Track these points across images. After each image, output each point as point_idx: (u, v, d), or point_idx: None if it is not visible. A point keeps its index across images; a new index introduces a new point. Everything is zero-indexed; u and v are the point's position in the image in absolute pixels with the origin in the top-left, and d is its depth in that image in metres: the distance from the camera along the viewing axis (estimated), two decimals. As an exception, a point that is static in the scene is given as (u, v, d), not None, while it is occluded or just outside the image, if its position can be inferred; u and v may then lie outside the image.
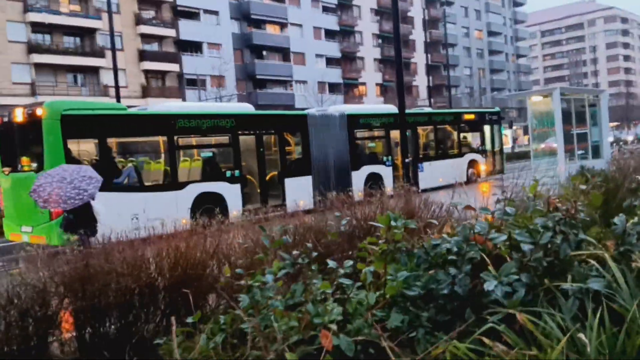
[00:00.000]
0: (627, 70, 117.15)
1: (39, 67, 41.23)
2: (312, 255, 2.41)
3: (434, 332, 2.19)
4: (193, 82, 47.16)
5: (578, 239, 2.27)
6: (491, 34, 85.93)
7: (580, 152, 21.17)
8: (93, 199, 9.74)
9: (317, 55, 60.15)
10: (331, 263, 2.50)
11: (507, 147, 43.85)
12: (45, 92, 39.36)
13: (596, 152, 20.92)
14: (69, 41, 44.15)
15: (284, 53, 56.91)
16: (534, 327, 1.87)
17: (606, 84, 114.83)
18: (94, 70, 43.87)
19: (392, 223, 2.36)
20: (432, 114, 23.66)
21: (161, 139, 14.63)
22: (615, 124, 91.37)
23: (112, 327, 4.56)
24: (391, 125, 20.29)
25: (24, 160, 12.74)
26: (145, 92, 45.23)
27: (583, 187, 2.45)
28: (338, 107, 21.31)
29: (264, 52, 55.54)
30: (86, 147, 13.55)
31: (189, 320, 2.44)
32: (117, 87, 21.67)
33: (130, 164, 14.23)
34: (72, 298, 4.53)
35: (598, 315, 1.89)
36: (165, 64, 46.97)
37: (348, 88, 63.61)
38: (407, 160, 14.00)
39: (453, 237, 2.39)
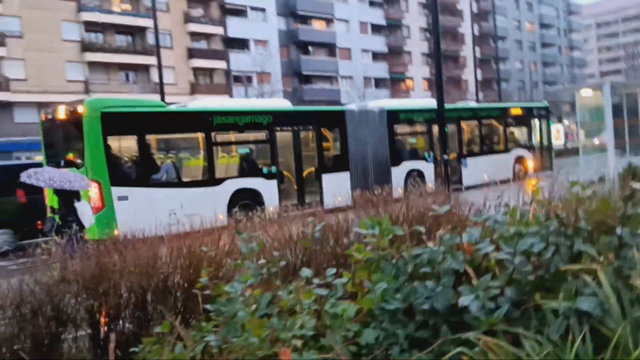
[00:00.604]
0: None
1: (92, 65, 42.44)
2: (280, 264, 2.29)
3: (412, 350, 2.04)
4: (240, 79, 47.61)
5: (574, 251, 2.07)
6: (543, 26, 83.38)
7: (633, 148, 20.27)
8: (79, 199, 9.83)
9: (363, 50, 59.75)
10: (305, 272, 2.37)
11: (559, 142, 42.48)
12: (98, 90, 40.54)
13: (651, 148, 19.97)
14: (120, 39, 45.29)
15: (329, 48, 56.78)
16: (504, 352, 1.70)
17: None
18: (145, 68, 44.84)
19: (370, 231, 2.21)
20: (476, 109, 23.11)
21: (198, 136, 14.75)
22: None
23: (126, 326, 4.56)
24: (433, 120, 19.44)
25: (69, 156, 13.04)
26: (194, 90, 45.88)
27: (586, 192, 2.22)
28: (378, 102, 20.98)
29: (310, 48, 55.56)
30: (126, 144, 13.78)
31: (157, 330, 2.36)
32: (161, 85, 22.03)
33: (168, 160, 14.45)
34: (84, 296, 4.55)
35: (579, 339, 1.70)
36: (213, 61, 47.62)
37: (395, 83, 62.95)
38: (445, 156, 13.63)
39: (439, 246, 2.22)
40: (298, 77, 54.07)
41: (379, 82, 60.85)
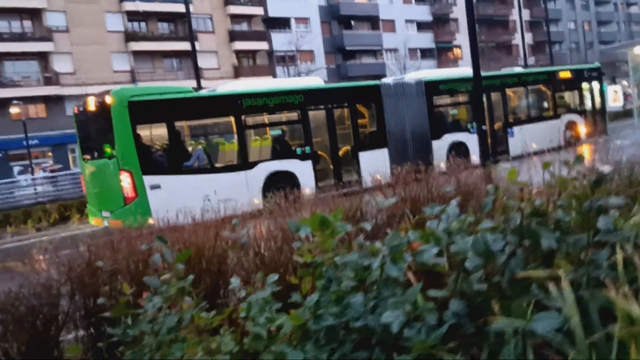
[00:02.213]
0: None
1: (136, 54, 43.09)
2: (188, 278, 1.97)
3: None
4: (283, 59, 47.36)
5: (546, 250, 1.67)
6: (598, -17, 79.24)
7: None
8: None
9: (407, 21, 58.32)
10: (233, 282, 2.04)
11: (618, 104, 40.34)
12: (143, 79, 41.20)
13: None
14: (163, 27, 45.74)
15: (372, 22, 55.66)
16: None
17: None
18: (188, 54, 45.10)
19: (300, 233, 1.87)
20: (521, 74, 21.91)
21: (228, 120, 14.54)
22: None
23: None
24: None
25: (105, 147, 13.13)
26: (237, 72, 45.94)
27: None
28: (416, 73, 20.25)
29: (352, 22, 54.59)
30: (155, 132, 13.73)
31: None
32: (196, 69, 22.05)
33: (199, 146, 14.29)
34: (79, 296, 4.40)
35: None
36: (255, 43, 47.49)
37: (442, 52, 61.26)
38: (484, 127, 12.98)
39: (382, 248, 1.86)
40: (341, 53, 53.32)
41: (425, 53, 59.34)
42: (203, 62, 44.22)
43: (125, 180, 12.26)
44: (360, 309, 1.72)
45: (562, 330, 1.46)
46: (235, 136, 14.45)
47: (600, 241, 1.64)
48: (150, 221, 10.98)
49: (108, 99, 12.42)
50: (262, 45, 47.68)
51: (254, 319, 1.94)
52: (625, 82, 50.68)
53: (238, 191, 13.19)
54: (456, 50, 62.61)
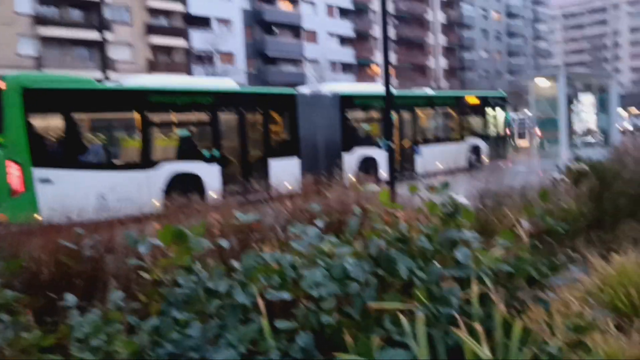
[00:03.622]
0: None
1: (45, 40, 40.74)
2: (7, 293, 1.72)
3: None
4: (201, 59, 46.38)
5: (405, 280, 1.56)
6: (510, 15, 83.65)
7: (587, 140, 20.24)
8: None
9: (330, 34, 58.97)
10: (68, 298, 1.81)
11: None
12: (51, 66, 38.92)
13: (604, 140, 19.95)
14: (75, 14, 43.60)
15: (295, 30, 55.82)
16: None
17: (628, 70, 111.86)
18: (101, 44, 43.25)
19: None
20: (431, 96, 22.67)
21: (132, 115, 13.82)
22: (637, 111, 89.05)
23: None
24: None
25: None
26: (152, 68, 44.50)
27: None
28: (332, 85, 20.44)
29: (275, 29, 54.49)
30: (52, 123, 12.83)
31: None
32: (104, 60, 21.02)
33: (98, 141, 13.59)
34: None
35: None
36: (172, 39, 46.24)
37: (361, 68, 62.39)
38: (391, 144, 13.20)
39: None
40: (262, 58, 53.01)
41: (345, 67, 60.21)
42: (116, 54, 42.58)
43: (13, 171, 11.38)
44: (197, 339, 1.54)
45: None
46: (139, 133, 13.77)
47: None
48: (37, 217, 10.30)
49: (1, 84, 11.51)
50: (180, 42, 46.51)
51: (86, 341, 1.71)
52: (527, 112, 53.77)
53: (137, 191, 12.66)
54: (375, 67, 64.00)
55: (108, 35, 42.06)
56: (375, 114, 19.90)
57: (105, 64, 20.90)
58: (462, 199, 1.57)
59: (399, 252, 1.65)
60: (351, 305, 1.53)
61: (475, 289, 1.52)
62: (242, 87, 18.21)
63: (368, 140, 19.45)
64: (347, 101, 18.41)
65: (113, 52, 41.76)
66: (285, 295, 1.50)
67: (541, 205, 1.79)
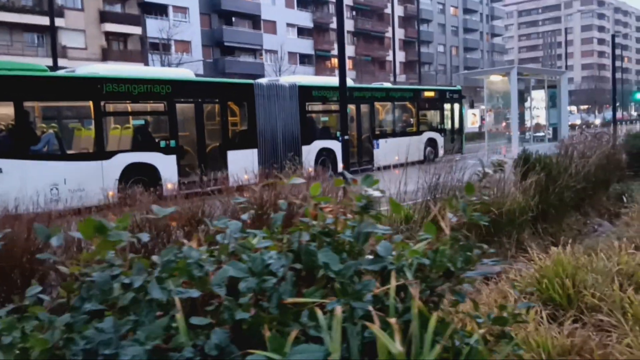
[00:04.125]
0: (601, 54, 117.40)
1: (-6, 24, 39.30)
2: None
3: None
4: (157, 47, 45.48)
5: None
6: (467, 11, 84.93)
7: (538, 135, 20.77)
8: None
9: (289, 25, 58.69)
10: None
11: (475, 126, 43.48)
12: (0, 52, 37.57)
13: (554, 135, 20.50)
14: (26, -1, 42.17)
15: (254, 20, 55.30)
16: None
17: (579, 67, 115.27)
18: (52, 30, 41.88)
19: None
20: (389, 90, 22.91)
21: (86, 104, 13.59)
22: (585, 106, 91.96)
23: None
24: (347, 99, 19.57)
25: None
26: (106, 55, 43.43)
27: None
28: (291, 77, 20.40)
29: (233, 19, 53.87)
30: (2, 111, 12.57)
31: None
32: (54, 47, 20.29)
33: (50, 130, 13.22)
34: None
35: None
36: (127, 27, 45.12)
37: (320, 60, 62.34)
38: (346, 137, 13.25)
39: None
40: (220, 48, 52.37)
41: (304, 59, 60.08)
42: (68, 40, 41.37)
43: None
44: (110, 334, 1.49)
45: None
46: (93, 122, 13.58)
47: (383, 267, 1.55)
48: None
49: None
50: (135, 30, 45.45)
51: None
52: (482, 107, 54.79)
53: (91, 182, 12.43)
54: (334, 60, 64.02)
55: (59, 21, 40.89)
56: (334, 107, 19.87)
57: (56, 51, 20.18)
58: (376, 193, 1.56)
59: (324, 246, 1.64)
60: (269, 300, 1.51)
61: (393, 282, 1.52)
62: (199, 77, 17.98)
63: (327, 133, 19.61)
64: (305, 93, 18.44)
65: (65, 39, 40.59)
66: (195, 294, 1.46)
67: (467, 198, 1.81)
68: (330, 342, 1.35)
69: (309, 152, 18.19)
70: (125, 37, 45.71)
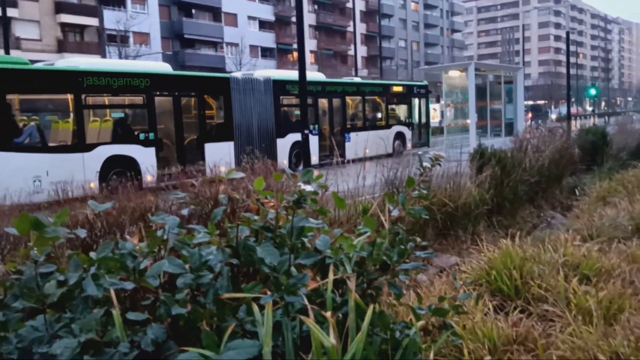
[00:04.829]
0: (557, 50, 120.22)
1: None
2: None
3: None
4: (114, 39, 44.52)
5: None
6: (427, 6, 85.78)
7: (494, 129, 21.16)
8: None
9: (250, 17, 58.20)
10: None
11: (436, 121, 44.07)
12: (-53, 42, 36.16)
13: (510, 130, 20.91)
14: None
15: (214, 13, 54.66)
16: None
17: (536, 63, 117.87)
18: (4, 21, 40.54)
19: None
20: (360, 84, 23.59)
21: (67, 97, 13.80)
22: (542, 102, 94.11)
23: None
24: (318, 93, 20.35)
25: None
26: (62, 47, 42.29)
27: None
28: (264, 71, 20.59)
29: (193, 11, 53.14)
30: None
31: None
32: (5, 38, 19.69)
33: (32, 123, 13.41)
34: None
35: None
36: (83, 18, 44.02)
37: (282, 53, 62.08)
38: (306, 131, 13.31)
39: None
40: (180, 40, 51.62)
41: (265, 52, 59.73)
42: (22, 31, 40.14)
43: None
44: (43, 332, 1.47)
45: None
46: (73, 115, 13.81)
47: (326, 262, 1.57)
48: None
49: None
50: (92, 21, 44.37)
51: None
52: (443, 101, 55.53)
53: (73, 174, 12.42)
54: (296, 53, 63.68)
55: (12, 12, 39.63)
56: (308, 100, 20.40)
57: (9, 42, 19.59)
58: (309, 187, 1.58)
59: (265, 241, 1.65)
60: (206, 296, 1.51)
61: (331, 276, 1.53)
62: (177, 71, 18.33)
63: (300, 126, 19.63)
64: (280, 87, 18.93)
65: (18, 30, 39.41)
66: (129, 286, 1.46)
67: (408, 192, 1.84)
68: (263, 337, 1.36)
69: (284, 144, 18.78)
70: (81, 28, 44.63)
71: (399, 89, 25.15)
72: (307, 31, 65.00)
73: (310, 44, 64.88)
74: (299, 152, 18.39)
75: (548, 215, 9.99)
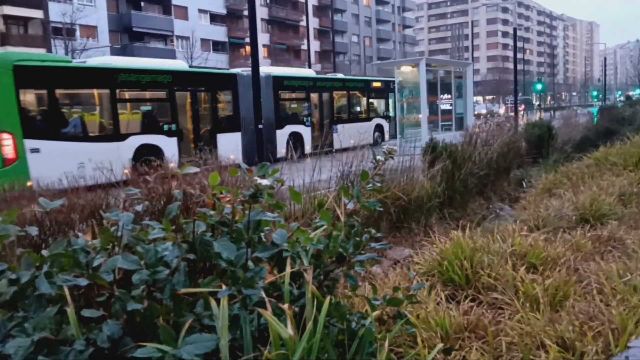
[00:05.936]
0: (505, 46, 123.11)
1: None
2: None
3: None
4: (60, 31, 43.14)
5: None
6: (379, 2, 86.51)
7: (445, 124, 21.55)
8: None
9: (201, 11, 57.37)
10: None
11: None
12: None
13: (460, 124, 21.34)
14: None
15: (164, 5, 53.68)
16: None
17: (485, 59, 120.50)
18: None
19: None
20: (345, 80, 25.55)
21: (104, 92, 15.15)
22: (490, 97, 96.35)
23: None
24: (311, 88, 22.52)
25: None
26: (5, 40, 40.76)
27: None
28: (265, 68, 21.87)
29: (142, 3, 52.02)
30: (37, 98, 13.98)
31: None
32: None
33: (76, 115, 14.63)
34: None
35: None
36: (27, 10, 42.50)
37: (234, 47, 61.47)
38: (260, 126, 13.39)
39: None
40: (128, 33, 50.46)
41: (217, 46, 59.03)
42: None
43: (7, 142, 12.53)
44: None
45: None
46: (110, 108, 15.20)
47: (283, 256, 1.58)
48: (29, 184, 10.87)
49: None
50: (36, 14, 42.87)
51: None
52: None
53: (111, 160, 12.61)
54: (248, 47, 63.16)
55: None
56: (301, 95, 22.37)
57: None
58: (265, 182, 1.59)
59: (221, 236, 1.65)
60: (162, 292, 1.50)
61: (288, 269, 1.55)
62: (192, 68, 20.15)
63: (295, 118, 21.82)
64: (278, 82, 20.53)
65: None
66: (83, 282, 1.44)
67: (362, 185, 1.88)
68: (220, 330, 1.37)
69: (282, 135, 20.26)
70: (25, 20, 43.11)
71: (378, 84, 27.28)
72: (259, 25, 64.56)
73: (263, 38, 64.43)
74: (295, 142, 20.05)
75: (497, 207, 10.26)
